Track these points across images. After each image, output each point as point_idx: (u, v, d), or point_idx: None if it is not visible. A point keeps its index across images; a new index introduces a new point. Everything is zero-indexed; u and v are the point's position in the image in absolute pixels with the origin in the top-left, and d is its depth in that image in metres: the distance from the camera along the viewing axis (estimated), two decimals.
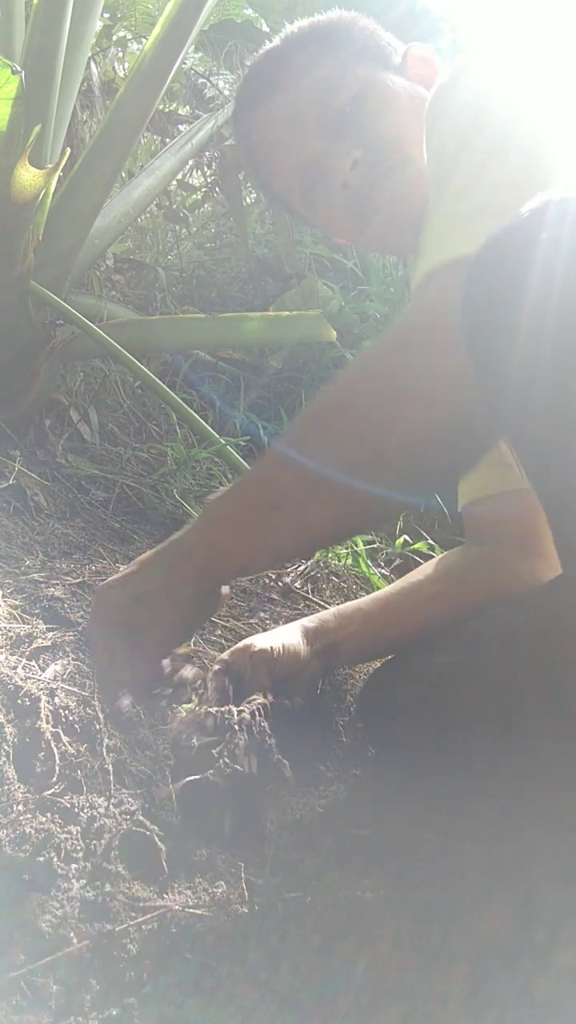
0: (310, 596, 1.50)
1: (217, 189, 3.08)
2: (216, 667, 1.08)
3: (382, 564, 1.65)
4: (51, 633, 1.17)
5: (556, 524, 0.77)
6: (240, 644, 1.11)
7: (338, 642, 1.12)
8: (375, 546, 1.68)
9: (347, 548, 1.64)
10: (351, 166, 1.10)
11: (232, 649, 1.11)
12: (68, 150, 1.71)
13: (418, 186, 1.05)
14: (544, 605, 1.06)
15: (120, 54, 2.94)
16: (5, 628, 1.14)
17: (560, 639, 0.83)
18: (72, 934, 0.73)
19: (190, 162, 2.87)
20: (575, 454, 0.68)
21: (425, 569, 1.19)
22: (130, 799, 0.90)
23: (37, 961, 0.70)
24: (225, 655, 1.10)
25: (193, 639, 1.28)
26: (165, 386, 1.86)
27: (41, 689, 1.00)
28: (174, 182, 2.94)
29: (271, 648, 1.07)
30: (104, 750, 1.00)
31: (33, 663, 1.08)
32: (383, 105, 1.11)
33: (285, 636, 1.10)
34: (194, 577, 0.90)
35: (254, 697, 0.99)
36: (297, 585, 1.53)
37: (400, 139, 1.09)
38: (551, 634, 0.94)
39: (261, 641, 1.09)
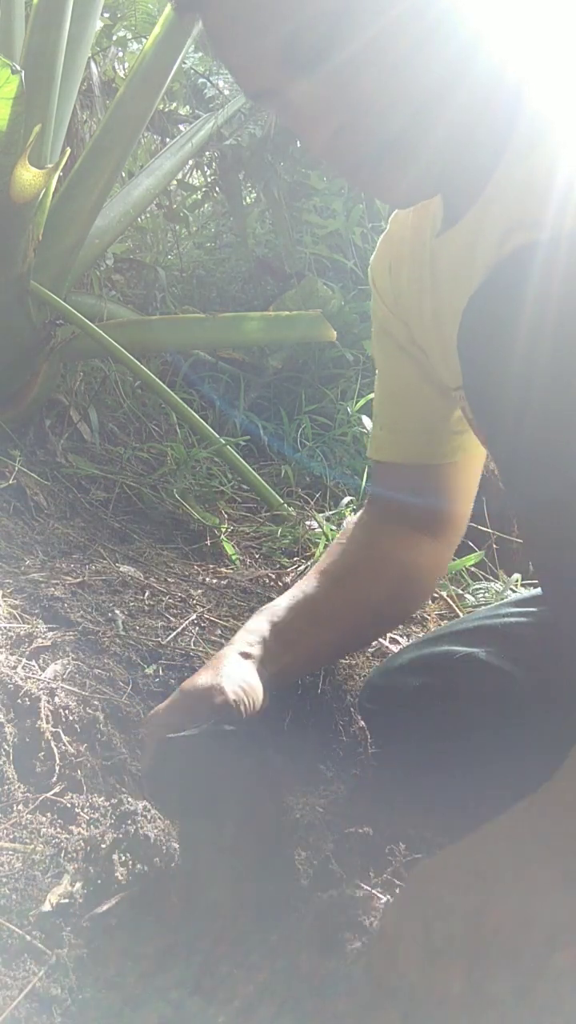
0: None
1: (217, 189, 3.08)
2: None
3: None
4: (51, 633, 1.17)
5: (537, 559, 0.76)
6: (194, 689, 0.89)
7: (285, 668, 0.98)
8: None
9: None
10: (332, 133, 0.77)
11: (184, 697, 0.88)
12: (68, 150, 1.71)
13: (432, 169, 0.80)
14: (544, 615, 1.06)
15: (120, 54, 2.94)
16: (5, 628, 1.14)
17: (559, 642, 0.83)
18: (73, 935, 0.73)
19: (190, 162, 2.87)
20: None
21: (337, 561, 1.08)
22: (130, 799, 0.90)
23: (40, 964, 0.70)
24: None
25: (194, 640, 1.28)
26: (165, 386, 1.86)
27: (41, 689, 1.00)
28: (174, 182, 2.94)
29: (234, 700, 0.88)
30: (104, 750, 1.00)
31: (33, 663, 1.08)
32: (376, 42, 0.73)
33: (243, 676, 0.92)
34: None
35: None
36: None
37: (400, 98, 0.75)
38: (550, 637, 0.94)
39: (225, 684, 0.89)
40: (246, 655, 0.95)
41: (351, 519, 1.17)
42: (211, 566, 1.58)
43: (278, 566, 1.62)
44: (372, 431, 1.14)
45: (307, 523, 1.74)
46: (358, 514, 1.15)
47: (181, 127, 2.81)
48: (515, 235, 0.75)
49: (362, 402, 2.12)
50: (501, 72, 0.79)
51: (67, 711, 1.00)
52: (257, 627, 1.00)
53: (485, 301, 0.77)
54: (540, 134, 0.76)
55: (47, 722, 0.97)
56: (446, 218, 0.90)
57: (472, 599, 1.47)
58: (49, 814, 0.88)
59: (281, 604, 1.04)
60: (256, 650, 0.96)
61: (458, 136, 0.79)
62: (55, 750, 0.95)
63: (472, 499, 1.10)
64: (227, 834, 0.74)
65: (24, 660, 1.07)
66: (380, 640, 1.30)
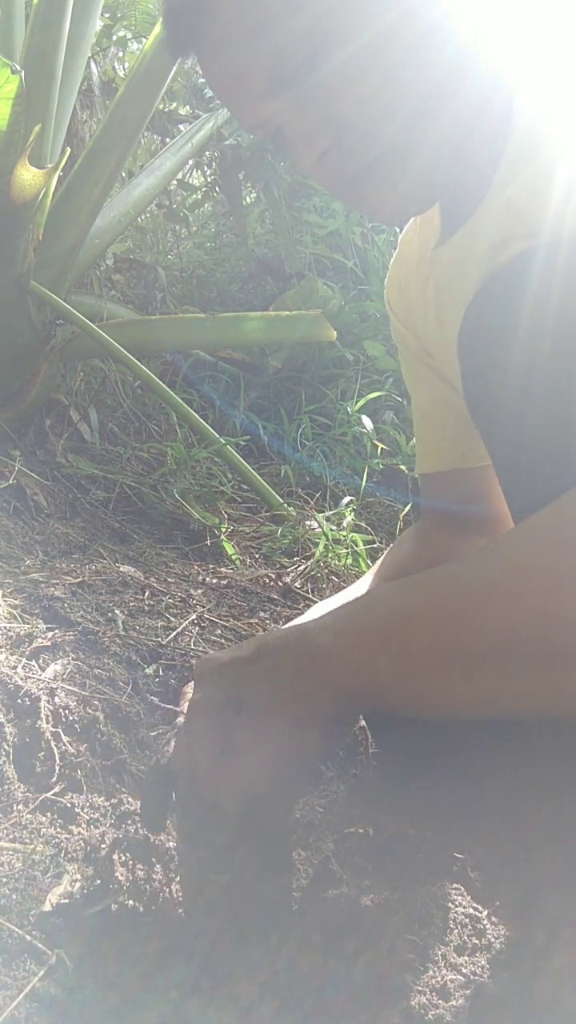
0: (310, 596, 1.50)
1: (217, 189, 3.09)
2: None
3: None
4: (51, 633, 1.17)
5: None
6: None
7: None
8: (375, 546, 1.68)
9: (347, 548, 1.64)
10: (318, 156, 0.79)
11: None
12: (68, 150, 1.71)
13: (421, 185, 0.82)
14: None
15: (120, 54, 2.94)
16: (5, 628, 1.14)
17: None
18: (73, 935, 0.73)
19: (190, 162, 2.87)
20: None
21: (389, 562, 1.09)
22: (130, 799, 0.90)
23: (40, 964, 0.70)
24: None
25: (194, 640, 1.28)
26: (165, 386, 1.86)
27: (41, 689, 1.00)
28: (174, 182, 2.94)
29: None
30: (104, 750, 1.00)
31: (33, 663, 1.08)
32: (359, 63, 0.75)
33: None
34: (321, 696, 0.67)
35: None
36: (297, 585, 1.53)
37: (385, 118, 0.77)
38: None
39: None
40: None
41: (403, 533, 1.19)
42: (211, 566, 1.58)
43: (278, 566, 1.62)
44: (416, 452, 1.17)
45: (307, 523, 1.74)
46: (408, 528, 1.17)
47: (181, 127, 2.81)
48: (511, 244, 0.76)
49: (362, 402, 2.13)
50: (489, 88, 0.79)
51: (67, 711, 1.00)
52: (302, 619, 0.99)
53: (483, 308, 0.77)
54: (533, 143, 0.77)
55: (47, 722, 0.97)
56: (444, 229, 0.91)
57: None
58: (49, 814, 0.88)
59: (332, 600, 1.04)
60: None
61: (448, 152, 0.80)
62: (55, 750, 0.95)
63: None
64: (227, 833, 0.74)
65: (24, 660, 1.07)
66: None
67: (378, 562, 1.13)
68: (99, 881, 0.78)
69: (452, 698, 0.66)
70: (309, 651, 0.69)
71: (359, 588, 1.07)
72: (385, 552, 1.16)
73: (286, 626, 0.75)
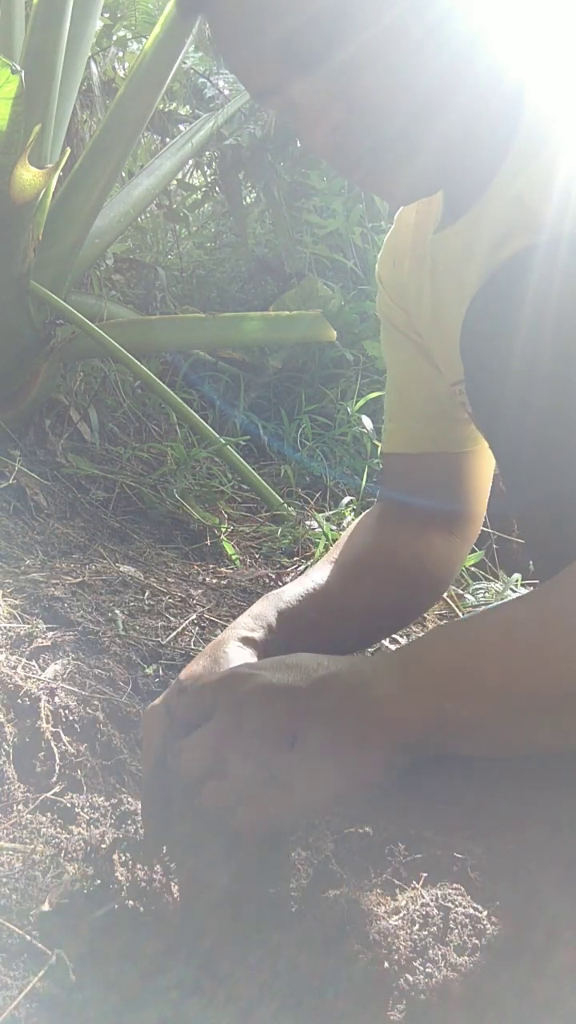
0: None
1: (217, 189, 3.09)
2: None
3: None
4: (51, 633, 1.17)
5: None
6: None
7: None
8: None
9: None
10: (330, 131, 0.77)
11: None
12: (68, 150, 1.72)
13: (432, 166, 0.80)
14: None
15: (120, 54, 2.94)
16: (5, 628, 1.14)
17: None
18: (73, 935, 0.73)
19: (190, 162, 2.87)
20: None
21: (349, 553, 1.04)
22: (130, 799, 0.90)
23: (40, 964, 0.70)
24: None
25: (194, 640, 1.27)
26: (165, 386, 1.86)
27: (41, 689, 1.00)
28: (174, 182, 2.94)
29: None
30: (104, 750, 1.00)
31: (33, 663, 1.08)
32: (376, 39, 0.73)
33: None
34: (385, 747, 0.68)
35: None
36: None
37: (400, 96, 0.75)
38: None
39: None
40: (248, 640, 0.89)
41: (362, 515, 1.15)
42: (211, 566, 1.58)
43: (278, 566, 1.62)
44: (384, 429, 1.13)
45: (307, 523, 1.74)
46: (368, 510, 1.14)
47: (181, 127, 2.81)
48: (516, 238, 0.75)
49: (362, 402, 2.13)
50: (502, 73, 0.79)
51: (67, 711, 1.00)
52: (262, 612, 0.94)
53: (488, 302, 0.77)
54: (542, 136, 0.77)
55: (47, 722, 0.97)
56: (446, 215, 0.90)
57: (472, 599, 1.47)
58: (49, 814, 0.88)
59: (289, 591, 0.98)
60: (259, 635, 0.90)
61: (458, 136, 0.79)
62: (55, 750, 0.95)
63: (486, 494, 1.08)
64: (226, 835, 0.74)
65: (24, 660, 1.07)
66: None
67: (333, 549, 1.07)
68: (99, 881, 0.77)
69: (532, 737, 0.67)
70: (370, 701, 0.68)
71: (315, 577, 1.01)
72: (338, 541, 1.09)
73: (335, 657, 0.73)
